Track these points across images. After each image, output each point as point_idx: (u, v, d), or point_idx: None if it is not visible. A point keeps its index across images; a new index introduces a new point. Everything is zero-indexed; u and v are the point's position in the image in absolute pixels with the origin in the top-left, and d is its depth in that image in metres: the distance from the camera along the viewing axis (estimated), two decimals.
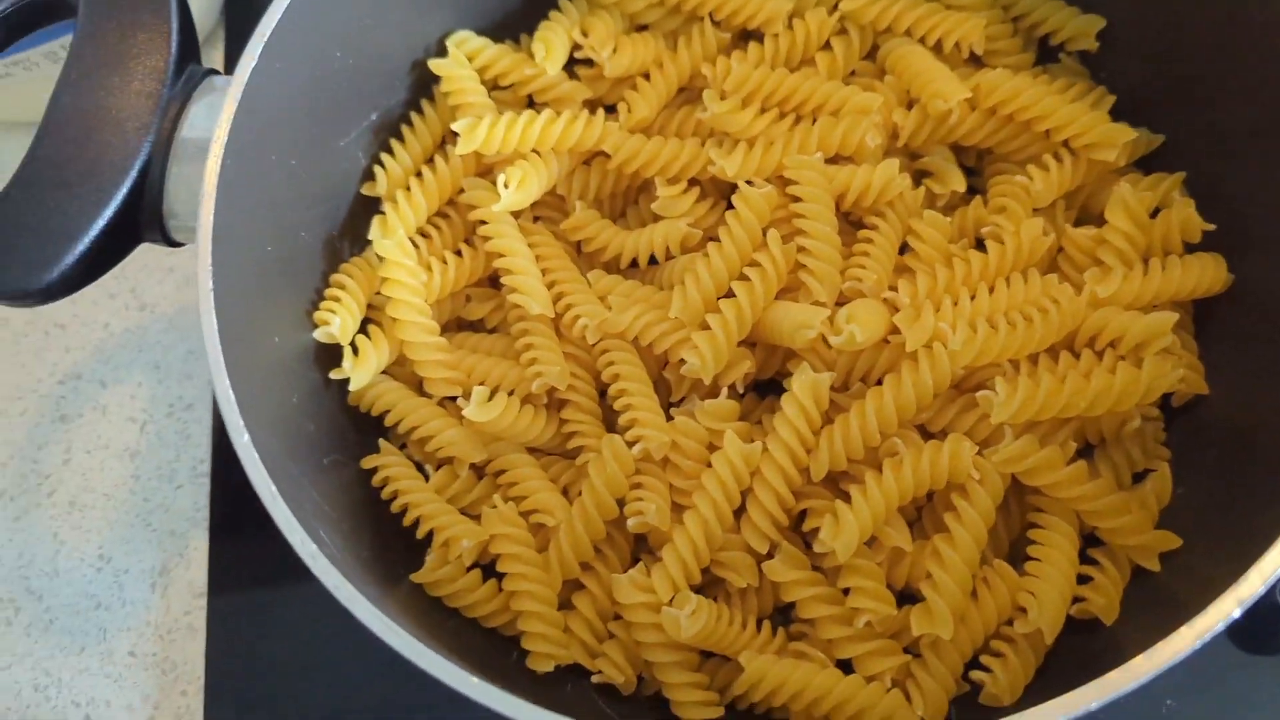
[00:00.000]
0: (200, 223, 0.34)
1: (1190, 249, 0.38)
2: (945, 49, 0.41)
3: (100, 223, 0.35)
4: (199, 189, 0.34)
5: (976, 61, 0.42)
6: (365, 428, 0.40)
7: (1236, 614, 0.27)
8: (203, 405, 0.49)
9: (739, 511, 0.37)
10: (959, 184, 0.40)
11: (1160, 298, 0.36)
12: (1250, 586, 0.27)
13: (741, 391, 0.39)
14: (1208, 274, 0.36)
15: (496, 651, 0.37)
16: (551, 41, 0.42)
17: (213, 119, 0.35)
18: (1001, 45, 0.41)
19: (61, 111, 0.36)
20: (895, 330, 0.36)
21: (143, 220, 0.36)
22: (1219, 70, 0.37)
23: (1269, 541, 0.28)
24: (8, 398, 0.51)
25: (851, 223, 0.41)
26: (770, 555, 0.36)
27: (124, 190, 0.35)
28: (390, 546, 0.38)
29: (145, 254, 0.47)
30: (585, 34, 0.43)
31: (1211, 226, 0.37)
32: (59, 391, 0.50)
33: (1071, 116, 0.38)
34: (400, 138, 0.43)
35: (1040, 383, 0.34)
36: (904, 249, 0.39)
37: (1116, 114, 0.40)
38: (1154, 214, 0.38)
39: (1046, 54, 0.42)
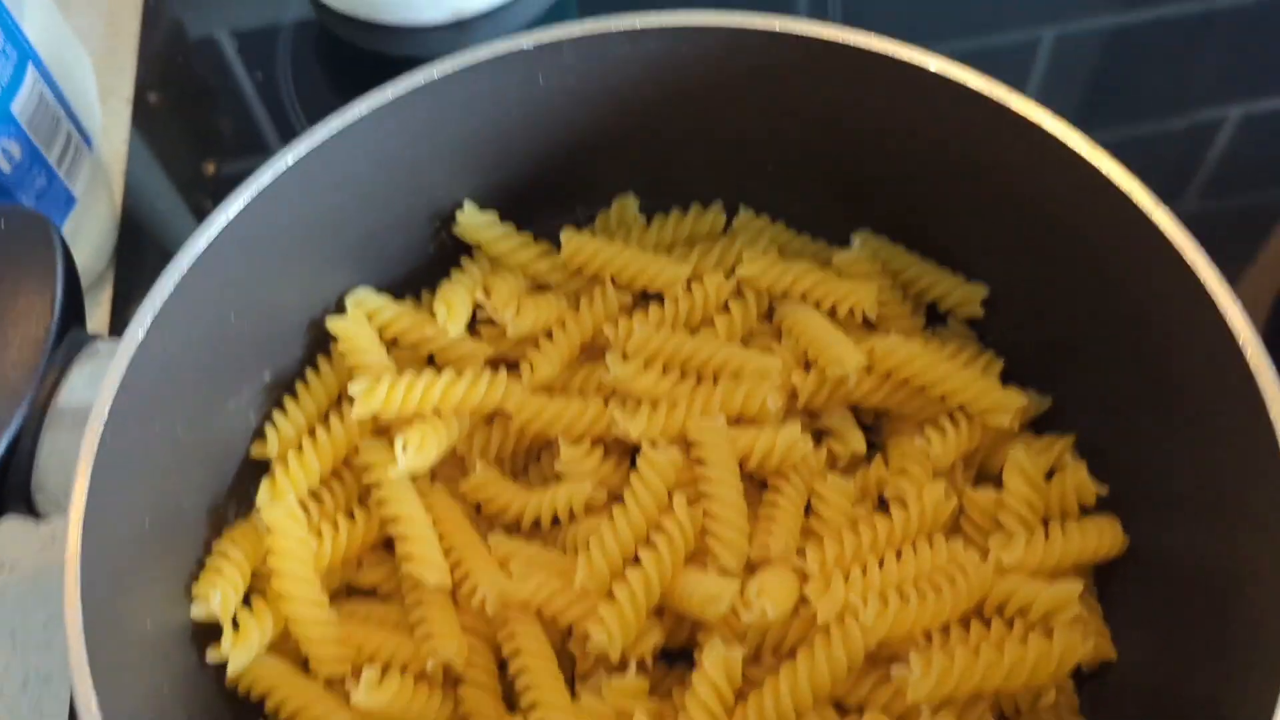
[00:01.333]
0: (72, 501, 0.31)
1: (1085, 511, 0.38)
2: (839, 314, 0.42)
3: None
4: (72, 462, 0.32)
5: (869, 325, 0.43)
6: (245, 714, 0.37)
7: None
8: (60, 679, 0.45)
9: None
10: (859, 445, 0.41)
11: (1063, 563, 0.36)
12: None
13: (650, 663, 0.37)
14: (1105, 537, 0.37)
15: None
16: (453, 302, 0.42)
17: (93, 388, 0.33)
18: (892, 311, 0.42)
19: None
20: (805, 600, 0.36)
21: (6, 493, 0.34)
22: (1098, 336, 0.39)
23: None
24: None
25: (755, 482, 0.40)
26: None
27: None
28: None
29: None
30: (487, 294, 0.43)
31: (1104, 490, 0.38)
32: None
33: (964, 384, 0.39)
34: (295, 396, 0.41)
35: (955, 657, 0.33)
36: (808, 510, 0.39)
37: (1005, 377, 0.41)
38: (1049, 475, 0.39)
39: (935, 318, 0.44)
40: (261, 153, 0.55)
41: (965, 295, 0.42)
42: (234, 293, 0.38)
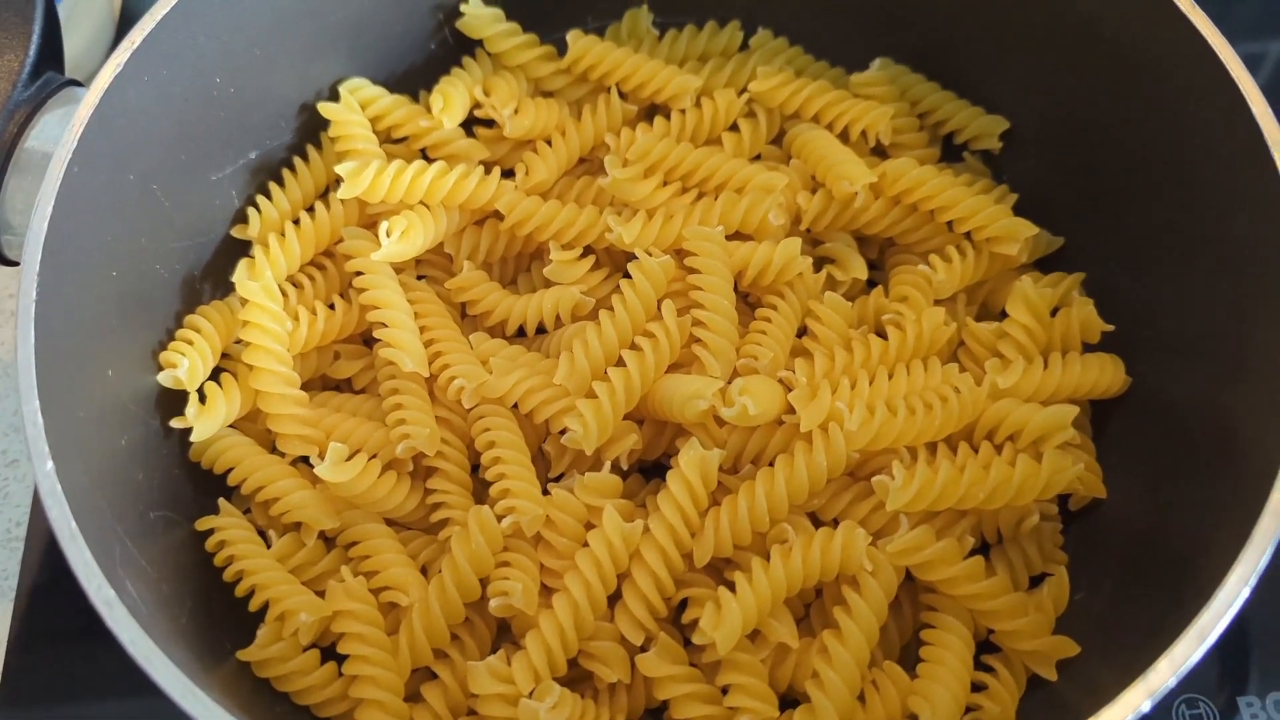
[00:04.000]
0: (31, 230, 0.30)
1: (1089, 350, 0.37)
2: (852, 137, 0.40)
3: None
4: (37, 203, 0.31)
5: (882, 154, 0.41)
6: (205, 486, 0.36)
7: (1146, 708, 0.24)
8: (26, 464, 0.44)
9: (614, 598, 0.33)
10: (860, 271, 0.39)
11: (1059, 394, 0.35)
12: (1160, 677, 0.25)
13: (625, 469, 0.36)
14: (1106, 373, 0.35)
15: None
16: (450, 95, 0.40)
17: (64, 129, 0.32)
18: (907, 138, 0.41)
19: None
20: (790, 411, 0.34)
21: None
22: (1120, 175, 0.37)
23: (1171, 642, 0.26)
24: None
25: (749, 304, 0.39)
26: (645, 649, 0.33)
27: None
28: (218, 620, 0.33)
29: None
30: (487, 93, 0.41)
31: (1110, 327, 0.36)
32: None
33: (976, 208, 0.37)
34: (280, 180, 0.40)
35: (939, 470, 0.32)
36: (803, 333, 0.38)
37: (1018, 213, 0.39)
38: (1053, 314, 0.37)
39: (950, 152, 0.42)
40: None
41: (984, 127, 0.40)
42: (221, 54, 0.36)
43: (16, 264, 0.34)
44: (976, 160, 0.41)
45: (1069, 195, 0.39)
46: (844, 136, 0.40)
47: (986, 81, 0.41)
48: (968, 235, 0.38)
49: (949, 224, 0.38)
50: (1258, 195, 0.31)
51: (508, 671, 0.32)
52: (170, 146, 0.36)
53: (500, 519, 0.34)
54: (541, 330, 0.39)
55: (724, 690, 0.32)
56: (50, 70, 0.34)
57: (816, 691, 0.31)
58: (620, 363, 0.35)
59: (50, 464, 0.27)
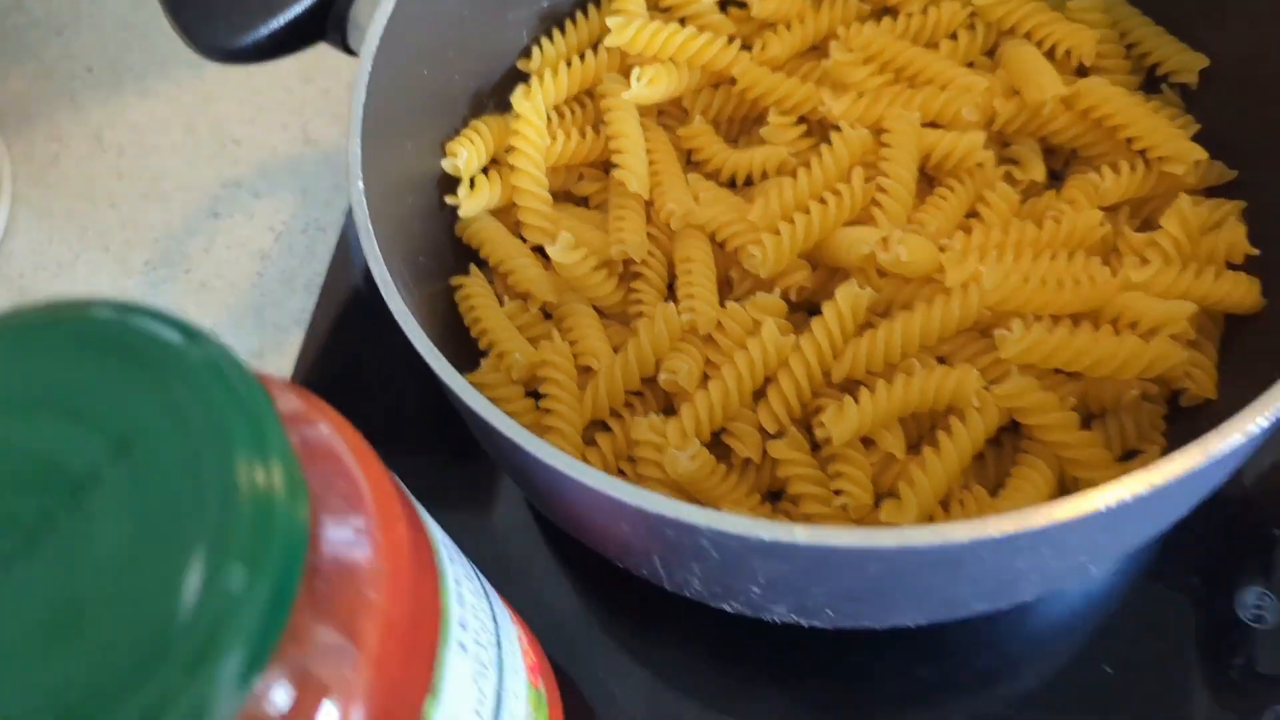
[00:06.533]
0: (372, 29, 0.40)
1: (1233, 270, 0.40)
2: (1057, 55, 0.44)
3: (296, 10, 0.42)
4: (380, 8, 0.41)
5: (1085, 75, 0.45)
6: (463, 254, 0.46)
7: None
8: (334, 230, 0.56)
9: (760, 396, 0.40)
10: (1039, 174, 0.44)
11: (1190, 296, 0.39)
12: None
13: (794, 301, 0.43)
14: (1239, 289, 0.39)
15: None
16: None
17: None
18: (1109, 63, 0.45)
19: None
20: (942, 271, 0.40)
21: (329, 21, 0.43)
22: None
23: None
24: (178, 188, 0.58)
25: (932, 183, 0.44)
26: (777, 438, 0.40)
27: None
28: (450, 346, 0.43)
29: (320, 99, 0.54)
30: None
31: (1256, 251, 0.40)
32: (219, 192, 0.58)
33: (1151, 127, 0.41)
34: (562, 29, 0.49)
35: (1053, 332, 0.37)
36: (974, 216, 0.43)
37: (1200, 144, 0.43)
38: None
39: (1151, 85, 0.45)
40: None
41: (1184, 62, 0.44)
42: None
43: (355, 54, 0.44)
44: (1174, 93, 0.45)
45: (1251, 137, 0.42)
46: (1051, 55, 0.45)
47: (1197, 21, 0.44)
48: (1143, 154, 0.42)
49: (1129, 142, 0.42)
50: None
51: (662, 427, 0.39)
52: None
53: (681, 316, 0.41)
54: (750, 183, 0.46)
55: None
56: None
57: (907, 490, 0.37)
58: (807, 212, 0.42)
59: (361, 184, 0.37)
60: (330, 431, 0.24)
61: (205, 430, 0.20)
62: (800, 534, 0.28)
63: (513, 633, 0.33)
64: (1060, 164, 0.46)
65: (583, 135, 0.47)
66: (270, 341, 0.53)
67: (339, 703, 0.21)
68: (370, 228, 0.36)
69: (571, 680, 0.43)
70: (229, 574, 0.18)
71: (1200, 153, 0.41)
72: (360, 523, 0.23)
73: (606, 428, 0.42)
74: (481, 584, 0.32)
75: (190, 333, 0.21)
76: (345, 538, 0.23)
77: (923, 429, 0.40)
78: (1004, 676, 0.42)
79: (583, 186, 0.48)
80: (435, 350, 0.34)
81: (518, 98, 0.46)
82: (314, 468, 0.23)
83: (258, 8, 0.41)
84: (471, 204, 0.45)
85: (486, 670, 0.29)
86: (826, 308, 0.40)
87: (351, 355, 0.51)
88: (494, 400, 0.41)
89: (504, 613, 0.33)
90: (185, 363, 0.21)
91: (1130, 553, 0.42)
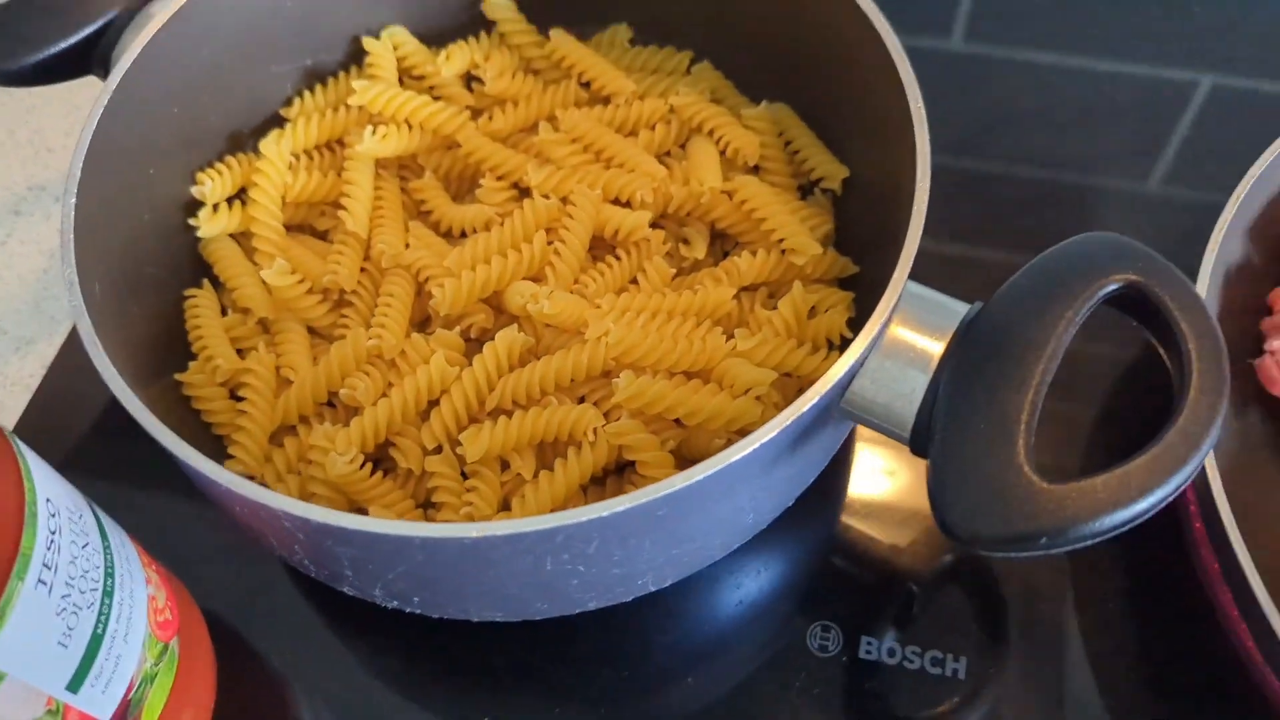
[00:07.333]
0: (121, 61, 0.46)
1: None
2: (729, 153, 0.52)
3: (61, 45, 0.48)
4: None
5: (757, 172, 0.53)
6: (199, 272, 0.52)
7: None
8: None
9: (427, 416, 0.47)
10: (701, 252, 0.51)
11: (783, 366, 0.46)
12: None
13: (473, 338, 0.49)
14: (826, 365, 0.46)
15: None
16: (454, 54, 0.55)
17: (168, 9, 0.48)
18: (772, 165, 0.52)
19: None
20: (585, 325, 0.47)
21: (94, 58, 0.49)
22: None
23: None
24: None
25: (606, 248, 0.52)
26: (436, 453, 0.46)
27: (91, 29, 0.48)
28: (164, 352, 0.49)
29: None
30: (485, 59, 0.56)
31: (851, 335, 0.47)
32: (24, 194, 0.63)
33: (783, 223, 0.49)
34: (324, 85, 0.55)
35: (657, 384, 0.44)
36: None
37: (837, 243, 0.50)
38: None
39: (812, 187, 0.53)
40: None
41: (830, 170, 0.52)
42: None
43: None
44: (824, 197, 0.52)
45: (876, 237, 0.50)
46: (724, 152, 0.52)
47: (846, 137, 0.52)
48: (781, 243, 0.50)
49: (770, 233, 0.50)
50: None
51: (333, 433, 0.46)
52: (245, 37, 0.51)
53: (369, 342, 0.48)
54: (464, 235, 0.53)
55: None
56: None
57: (518, 504, 0.43)
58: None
59: (74, 200, 0.43)
60: None
61: None
62: (348, 521, 0.35)
63: (142, 592, 0.39)
64: (731, 245, 0.53)
65: (324, 176, 0.54)
66: (43, 330, 0.59)
67: None
68: (72, 239, 0.42)
69: (257, 652, 0.49)
70: None
71: (817, 249, 0.48)
72: None
73: (294, 432, 0.48)
74: (105, 542, 0.38)
75: None
76: None
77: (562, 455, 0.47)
78: (652, 684, 0.48)
79: (321, 222, 0.54)
80: (100, 349, 0.39)
81: (266, 141, 0.53)
82: None
83: (23, 40, 0.47)
84: (208, 226, 0.51)
85: (80, 611, 0.35)
86: (487, 346, 0.47)
87: None
88: (197, 399, 0.48)
89: (136, 573, 0.39)
90: None
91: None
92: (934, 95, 0.43)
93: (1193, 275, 0.47)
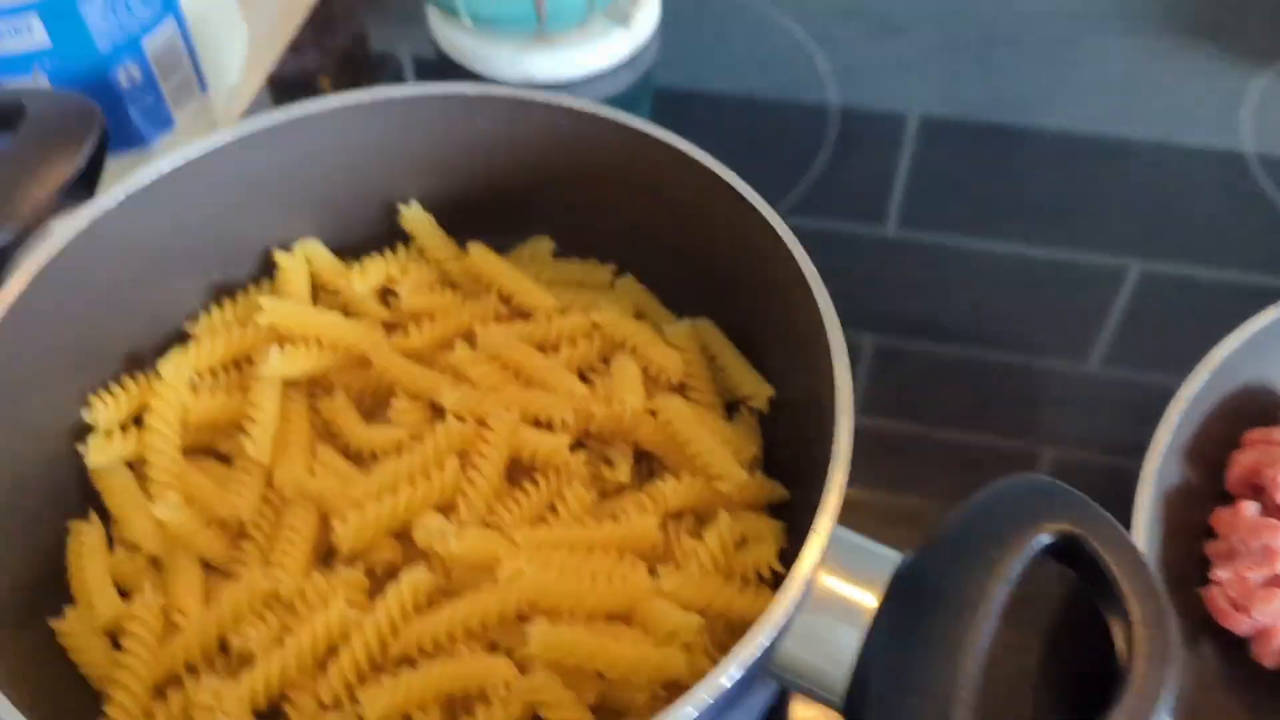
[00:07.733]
0: (10, 286, 0.44)
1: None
2: (651, 371, 0.50)
3: None
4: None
5: (681, 390, 0.51)
6: (88, 501, 0.48)
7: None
8: None
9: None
10: (624, 475, 0.49)
11: (711, 607, 0.43)
12: None
13: (379, 575, 0.46)
14: (758, 603, 0.43)
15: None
16: (369, 269, 0.53)
17: (71, 229, 0.46)
18: (697, 384, 0.51)
19: None
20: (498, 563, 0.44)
21: None
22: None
23: None
24: None
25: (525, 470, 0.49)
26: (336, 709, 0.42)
27: None
28: (45, 591, 0.45)
29: None
30: (402, 274, 0.54)
31: (781, 569, 0.45)
32: None
33: (707, 447, 0.47)
34: (233, 298, 0.53)
35: (575, 633, 0.41)
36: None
37: (768, 467, 0.48)
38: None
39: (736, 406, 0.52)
40: None
41: (754, 390, 0.50)
42: (207, 205, 0.50)
43: None
44: (750, 416, 0.51)
45: (806, 461, 0.48)
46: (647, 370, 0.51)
47: (771, 356, 0.50)
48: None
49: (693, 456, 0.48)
50: None
51: (220, 689, 0.42)
52: (148, 255, 0.49)
53: (264, 584, 0.44)
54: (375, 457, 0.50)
55: None
56: (83, 191, 0.49)
57: None
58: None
59: None
60: None
61: None
62: None
63: None
64: (657, 464, 0.51)
65: (229, 396, 0.51)
66: None
67: None
68: None
69: None
70: None
71: (743, 475, 0.46)
72: None
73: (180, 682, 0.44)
74: None
75: None
76: None
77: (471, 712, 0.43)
78: None
79: (225, 444, 0.51)
80: None
81: (166, 362, 0.50)
82: None
83: None
84: (98, 455, 0.48)
85: None
86: (391, 589, 0.43)
87: None
88: (71, 649, 0.44)
89: None
90: None
91: None
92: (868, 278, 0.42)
93: (1131, 493, 0.46)
